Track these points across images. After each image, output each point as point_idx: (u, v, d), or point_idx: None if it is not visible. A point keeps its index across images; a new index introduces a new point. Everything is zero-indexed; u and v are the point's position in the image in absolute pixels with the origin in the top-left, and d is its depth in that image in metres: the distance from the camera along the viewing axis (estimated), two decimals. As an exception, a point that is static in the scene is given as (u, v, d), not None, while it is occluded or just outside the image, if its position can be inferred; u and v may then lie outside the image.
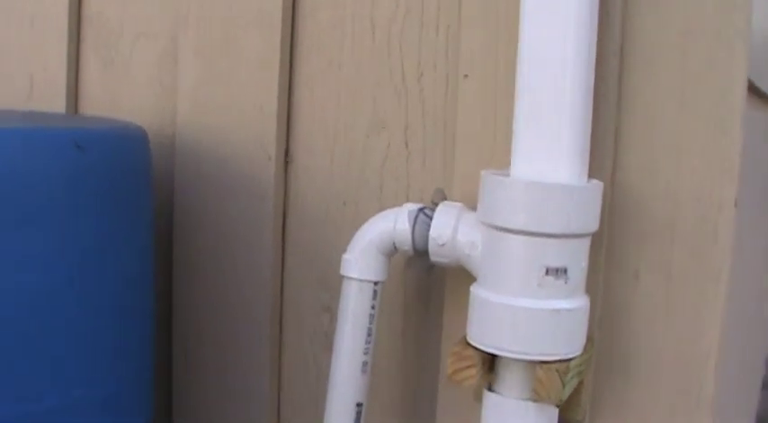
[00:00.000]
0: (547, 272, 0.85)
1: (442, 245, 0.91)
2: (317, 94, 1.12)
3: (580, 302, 0.87)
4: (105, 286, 0.94)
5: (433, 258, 0.93)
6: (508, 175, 0.90)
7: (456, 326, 1.01)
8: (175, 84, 1.21)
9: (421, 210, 0.95)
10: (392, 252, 0.96)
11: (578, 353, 0.88)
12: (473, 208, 0.94)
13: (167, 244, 1.22)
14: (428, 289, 1.08)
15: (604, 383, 0.98)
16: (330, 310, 1.14)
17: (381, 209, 1.06)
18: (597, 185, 0.88)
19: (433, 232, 0.92)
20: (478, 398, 0.94)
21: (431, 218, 0.92)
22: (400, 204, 1.03)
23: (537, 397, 0.86)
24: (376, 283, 0.97)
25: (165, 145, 1.23)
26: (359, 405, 0.98)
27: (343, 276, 0.98)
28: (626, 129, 0.95)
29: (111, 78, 1.28)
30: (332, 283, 1.12)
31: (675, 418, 0.96)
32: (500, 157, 0.99)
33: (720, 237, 0.92)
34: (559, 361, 0.86)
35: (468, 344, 0.90)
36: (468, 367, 0.88)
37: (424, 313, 1.09)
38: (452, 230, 0.91)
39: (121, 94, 1.28)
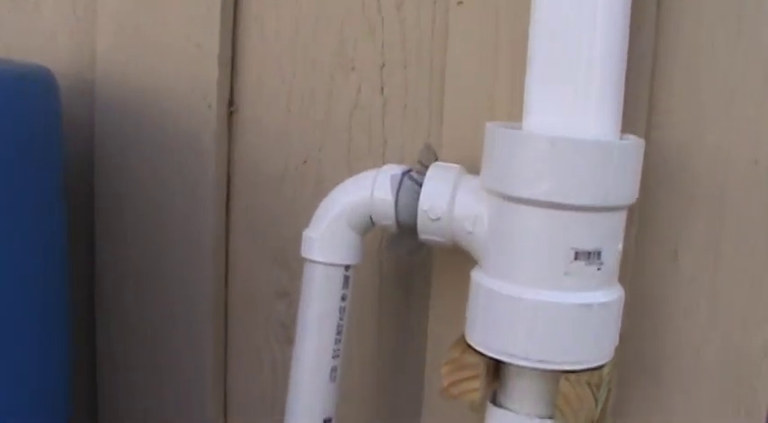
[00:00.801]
0: (576, 256, 0.65)
1: (436, 219, 0.70)
2: (269, 27, 0.90)
3: (615, 294, 0.68)
4: (5, 265, 0.75)
5: (423, 236, 0.72)
6: (520, 128, 0.69)
7: (446, 321, 0.83)
8: (94, 18, 0.98)
9: (406, 173, 0.74)
10: (368, 227, 0.75)
11: (610, 358, 0.69)
12: (471, 171, 0.74)
13: (87, 212, 1.01)
14: (410, 273, 0.88)
15: (633, 390, 0.80)
16: (288, 295, 0.94)
17: (350, 169, 0.87)
18: (638, 143, 0.67)
19: (423, 203, 0.71)
20: (478, 409, 0.74)
21: (420, 184, 0.71)
22: (374, 164, 0.85)
23: (561, 416, 0.67)
24: (347, 268, 0.76)
25: (83, 92, 1.00)
26: (327, 421, 0.77)
27: (304, 259, 0.77)
28: (664, 69, 0.75)
29: (17, 15, 1.04)
30: (290, 262, 0.93)
31: (721, 432, 0.78)
32: (503, 105, 0.79)
33: (784, 207, 0.73)
34: (590, 370, 0.67)
35: (469, 347, 0.70)
36: (470, 379, 0.68)
37: (404, 304, 0.89)
38: (449, 201, 0.70)
39: (29, 33, 1.04)
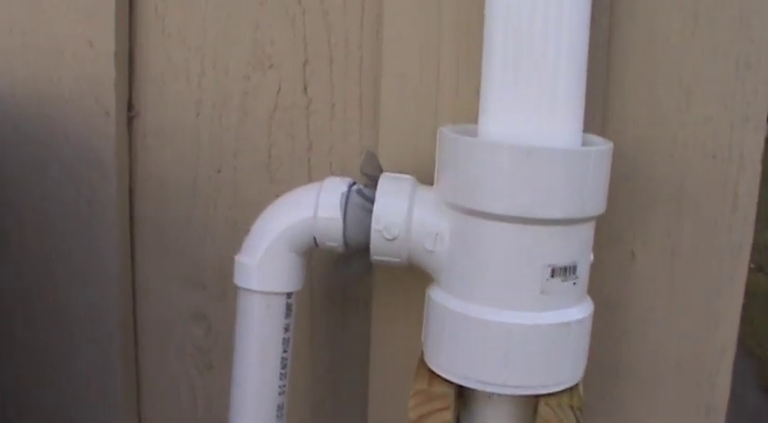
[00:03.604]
0: (553, 273, 0.59)
1: (392, 239, 0.63)
2: (172, 20, 0.80)
3: (589, 308, 0.63)
4: None
5: (376, 258, 0.65)
6: (475, 132, 0.63)
7: (389, 341, 0.76)
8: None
9: (352, 187, 0.66)
10: (311, 249, 0.68)
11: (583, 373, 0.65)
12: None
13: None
14: (344, 289, 0.80)
15: (591, 395, 0.76)
16: (206, 318, 0.85)
17: (271, 177, 0.81)
18: (610, 148, 0.62)
19: (376, 222, 0.63)
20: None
21: (371, 200, 0.64)
22: (299, 170, 0.79)
23: (541, 444, 0.62)
24: (289, 295, 0.68)
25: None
26: (275, 463, 0.70)
27: (239, 288, 0.68)
28: (619, 62, 0.71)
29: None
30: (205, 280, 0.84)
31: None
32: (448, 105, 0.72)
33: (741, 203, 0.71)
34: (569, 390, 0.62)
35: (434, 375, 0.64)
36: (441, 410, 0.62)
37: (339, 324, 0.82)
38: (405, 217, 0.63)
39: None
